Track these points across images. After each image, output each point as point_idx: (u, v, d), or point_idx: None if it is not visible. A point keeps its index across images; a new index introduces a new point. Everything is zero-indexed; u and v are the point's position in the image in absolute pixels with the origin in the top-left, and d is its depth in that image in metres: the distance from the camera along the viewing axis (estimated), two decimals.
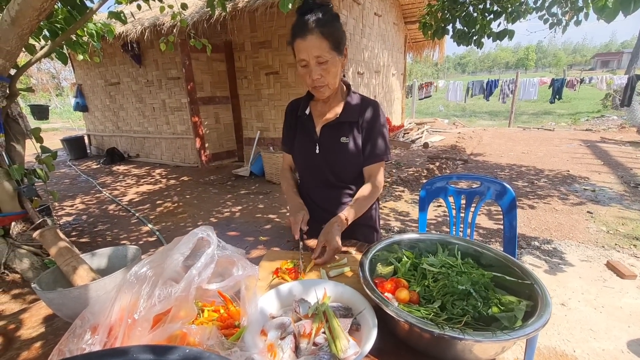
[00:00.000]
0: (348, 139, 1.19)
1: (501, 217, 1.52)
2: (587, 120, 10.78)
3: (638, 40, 14.74)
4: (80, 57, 3.13)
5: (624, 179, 4.58)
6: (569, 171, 5.06)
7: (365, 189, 1.19)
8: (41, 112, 7.28)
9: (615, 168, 5.13)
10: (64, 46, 2.80)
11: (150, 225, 3.69)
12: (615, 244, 2.88)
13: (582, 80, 9.73)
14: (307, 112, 1.24)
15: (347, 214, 1.12)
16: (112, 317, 0.64)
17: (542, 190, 4.29)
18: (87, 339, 0.61)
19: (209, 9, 3.33)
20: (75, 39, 2.89)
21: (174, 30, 4.82)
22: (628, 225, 3.22)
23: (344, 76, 1.25)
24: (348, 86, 1.25)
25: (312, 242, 1.14)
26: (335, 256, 1.07)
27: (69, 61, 7.74)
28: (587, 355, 1.77)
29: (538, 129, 9.43)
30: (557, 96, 9.82)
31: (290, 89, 5.29)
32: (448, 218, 3.58)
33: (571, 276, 2.46)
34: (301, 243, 1.09)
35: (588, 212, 3.57)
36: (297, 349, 0.66)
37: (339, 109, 1.21)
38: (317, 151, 1.22)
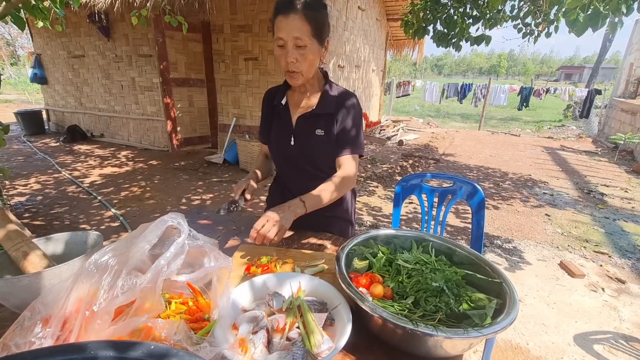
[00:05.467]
0: (323, 131, 1.17)
1: (468, 216, 1.57)
2: (549, 128, 11.45)
3: (598, 57, 15.83)
4: (40, 24, 2.85)
5: (579, 185, 4.92)
6: (531, 175, 5.36)
7: (332, 179, 1.13)
8: None
9: (571, 175, 5.50)
10: (22, 10, 2.54)
11: (113, 210, 3.50)
12: (568, 245, 3.09)
13: (547, 90, 10.30)
14: (284, 102, 1.21)
15: (305, 198, 1.07)
16: (67, 309, 0.58)
17: (506, 192, 4.52)
18: (37, 332, 0.56)
19: None
20: (34, 2, 2.63)
21: (148, 4, 4.53)
22: (580, 228, 3.47)
23: (321, 68, 1.22)
24: (326, 75, 1.22)
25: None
26: (310, 251, 1.05)
27: (27, 28, 7.07)
28: (539, 348, 1.90)
29: (505, 133, 9.89)
30: (524, 103, 10.33)
31: (269, 77, 5.17)
32: (418, 215, 3.71)
33: (528, 274, 2.62)
34: (239, 204, 1.11)
35: (546, 214, 3.80)
36: (269, 344, 0.64)
37: (315, 100, 1.19)
38: (292, 142, 1.19)
